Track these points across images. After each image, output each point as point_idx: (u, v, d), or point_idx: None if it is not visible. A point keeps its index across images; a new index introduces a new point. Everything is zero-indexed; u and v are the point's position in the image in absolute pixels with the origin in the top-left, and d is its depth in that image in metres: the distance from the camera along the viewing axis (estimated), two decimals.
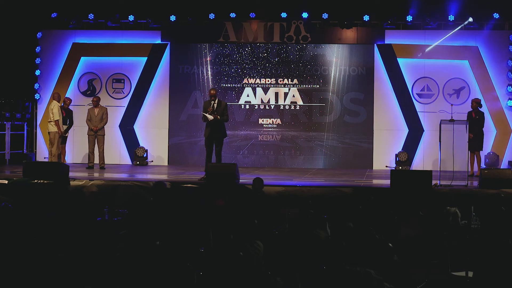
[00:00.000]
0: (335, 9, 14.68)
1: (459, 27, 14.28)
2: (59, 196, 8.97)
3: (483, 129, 12.70)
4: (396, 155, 14.39)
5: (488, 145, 14.31)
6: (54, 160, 12.66)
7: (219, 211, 8.17)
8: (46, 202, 8.50)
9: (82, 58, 15.43)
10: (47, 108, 13.88)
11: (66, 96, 14.53)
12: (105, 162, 13.71)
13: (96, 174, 12.28)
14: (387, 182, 10.86)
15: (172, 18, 14.94)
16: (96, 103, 13.84)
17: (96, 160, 13.74)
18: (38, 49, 15.39)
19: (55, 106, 13.04)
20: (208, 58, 15.18)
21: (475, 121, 12.70)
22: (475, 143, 12.50)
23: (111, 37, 15.38)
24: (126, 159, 15.26)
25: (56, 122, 12.94)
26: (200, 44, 15.18)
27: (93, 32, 15.37)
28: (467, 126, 11.17)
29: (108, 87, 15.41)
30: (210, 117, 11.05)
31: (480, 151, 12.71)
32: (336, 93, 14.92)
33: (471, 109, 12.75)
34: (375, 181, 12.22)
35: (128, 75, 15.39)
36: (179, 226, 6.98)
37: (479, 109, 12.77)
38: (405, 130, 14.71)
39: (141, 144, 15.08)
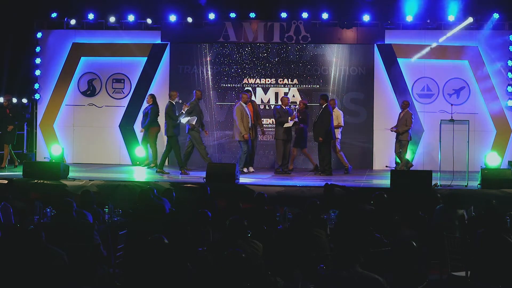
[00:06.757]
0: (335, 9, 14.68)
1: (459, 27, 14.28)
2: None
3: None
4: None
5: (488, 145, 14.32)
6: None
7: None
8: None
9: (82, 58, 15.42)
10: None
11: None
12: (106, 162, 13.79)
13: (96, 174, 12.29)
14: (387, 182, 10.88)
15: (172, 18, 14.94)
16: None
17: None
18: (38, 49, 15.38)
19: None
20: (208, 58, 15.18)
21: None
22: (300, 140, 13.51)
23: (111, 37, 15.36)
24: (126, 159, 15.25)
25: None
26: (200, 44, 15.17)
27: (93, 32, 15.36)
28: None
29: (108, 87, 15.41)
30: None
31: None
32: (336, 93, 14.91)
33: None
34: (375, 181, 12.22)
35: (128, 75, 15.39)
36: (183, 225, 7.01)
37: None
38: None
39: (141, 144, 15.07)
